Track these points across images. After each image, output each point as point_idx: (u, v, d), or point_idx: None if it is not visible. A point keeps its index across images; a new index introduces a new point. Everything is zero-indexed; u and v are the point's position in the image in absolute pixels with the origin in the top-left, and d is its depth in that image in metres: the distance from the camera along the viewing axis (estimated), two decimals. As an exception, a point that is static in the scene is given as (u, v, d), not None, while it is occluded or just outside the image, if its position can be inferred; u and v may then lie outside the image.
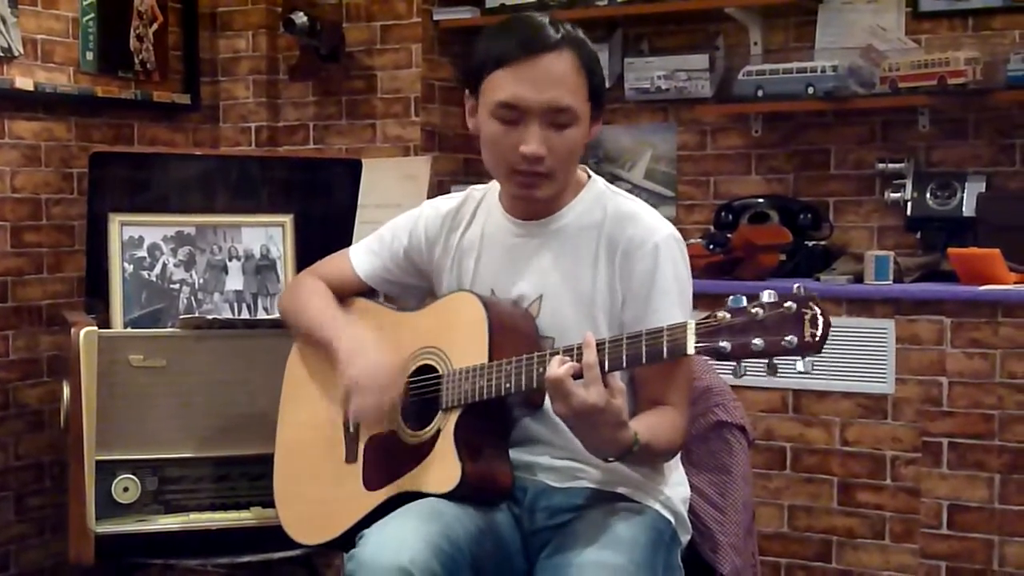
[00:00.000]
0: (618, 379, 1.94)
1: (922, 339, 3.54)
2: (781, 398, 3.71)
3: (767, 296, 1.82)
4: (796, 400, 3.70)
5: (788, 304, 1.79)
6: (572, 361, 1.93)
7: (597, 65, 2.18)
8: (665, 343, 1.88)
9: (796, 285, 1.82)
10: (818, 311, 1.78)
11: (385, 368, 2.23)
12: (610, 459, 2.02)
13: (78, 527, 2.91)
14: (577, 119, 2.13)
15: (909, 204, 3.92)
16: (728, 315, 1.83)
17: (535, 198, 2.18)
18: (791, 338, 1.78)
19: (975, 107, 3.88)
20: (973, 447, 3.49)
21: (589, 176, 2.27)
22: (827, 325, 1.78)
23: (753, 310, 1.81)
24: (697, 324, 1.86)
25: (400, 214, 2.43)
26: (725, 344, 1.82)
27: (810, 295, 1.80)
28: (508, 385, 2.06)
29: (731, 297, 1.86)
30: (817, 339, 1.77)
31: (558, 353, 1.99)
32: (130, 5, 4.22)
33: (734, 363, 1.85)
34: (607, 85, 4.21)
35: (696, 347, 1.85)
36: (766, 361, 1.82)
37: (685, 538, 2.24)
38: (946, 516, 3.53)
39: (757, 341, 1.80)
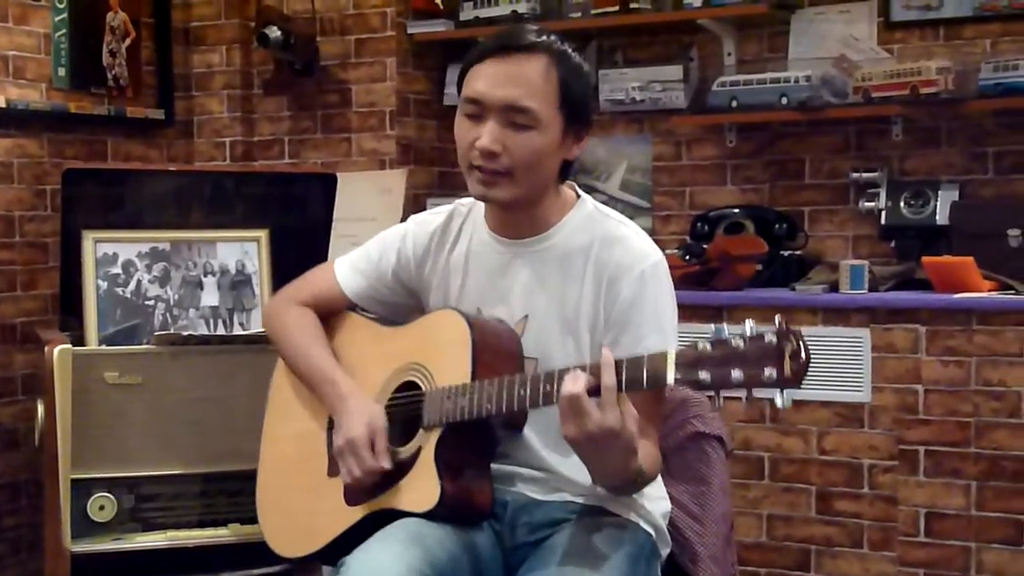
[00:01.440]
0: (631, 406, 1.90)
1: (898, 347, 3.55)
2: (758, 408, 3.72)
3: (748, 328, 1.80)
4: (773, 410, 3.71)
5: (769, 337, 1.78)
6: (589, 377, 1.89)
7: (577, 79, 2.14)
8: (645, 372, 1.86)
9: (778, 317, 1.80)
10: (798, 345, 1.77)
11: (364, 433, 2.18)
12: (610, 488, 2.01)
13: (54, 546, 2.90)
14: (539, 124, 2.09)
15: (883, 213, 3.94)
16: (708, 346, 1.81)
17: (492, 199, 2.15)
18: (771, 372, 1.77)
19: (947, 116, 3.90)
20: (949, 455, 3.50)
21: (578, 196, 2.25)
22: (807, 360, 1.77)
23: (734, 342, 1.80)
24: (677, 353, 1.84)
25: (378, 228, 2.41)
26: (705, 375, 1.81)
27: (792, 329, 1.78)
28: (489, 407, 2.04)
29: (713, 327, 1.83)
30: (797, 374, 1.76)
31: (539, 375, 1.98)
32: (103, 21, 4.20)
33: (712, 393, 1.84)
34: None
35: (676, 378, 1.83)
36: (744, 393, 1.81)
37: (665, 551, 2.23)
38: (923, 524, 3.54)
39: (736, 373, 1.78)
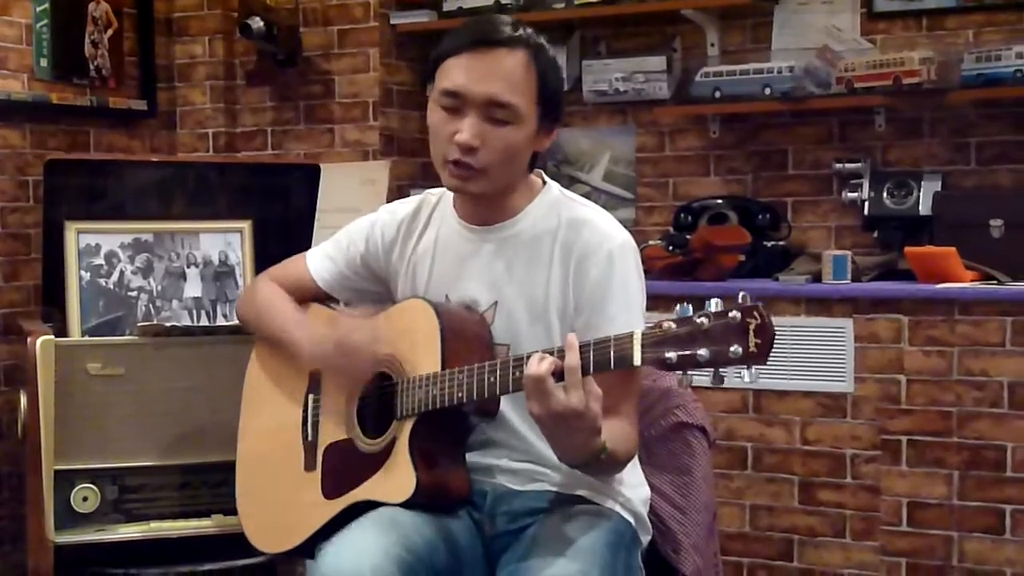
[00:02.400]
0: (595, 386, 1.91)
1: (880, 338, 3.56)
2: (741, 398, 3.73)
3: (713, 305, 1.81)
4: (756, 400, 3.72)
5: (733, 313, 1.79)
6: (554, 359, 1.91)
7: (553, 72, 2.16)
8: (612, 353, 1.88)
9: (742, 293, 1.81)
10: (763, 320, 1.78)
11: (353, 340, 2.22)
12: (575, 466, 2.02)
13: (37, 537, 2.89)
14: (518, 119, 2.11)
15: (866, 203, 3.95)
16: (674, 325, 1.83)
17: (466, 192, 2.16)
18: (736, 348, 1.78)
19: (930, 106, 3.91)
20: (931, 444, 3.52)
21: (544, 182, 2.26)
22: (772, 335, 1.77)
23: (698, 320, 1.81)
24: (643, 334, 1.85)
25: (358, 218, 2.43)
26: (671, 354, 1.82)
27: (755, 304, 1.79)
28: (461, 394, 2.05)
29: (678, 306, 1.85)
30: (762, 349, 1.77)
31: (508, 360, 2.00)
32: (85, 11, 4.19)
33: (680, 372, 1.85)
34: (565, 87, 4.26)
35: (642, 358, 1.85)
36: (712, 371, 1.82)
37: (645, 539, 2.24)
38: (906, 513, 3.55)
39: (702, 352, 1.79)
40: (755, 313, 1.78)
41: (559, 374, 1.90)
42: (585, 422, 1.90)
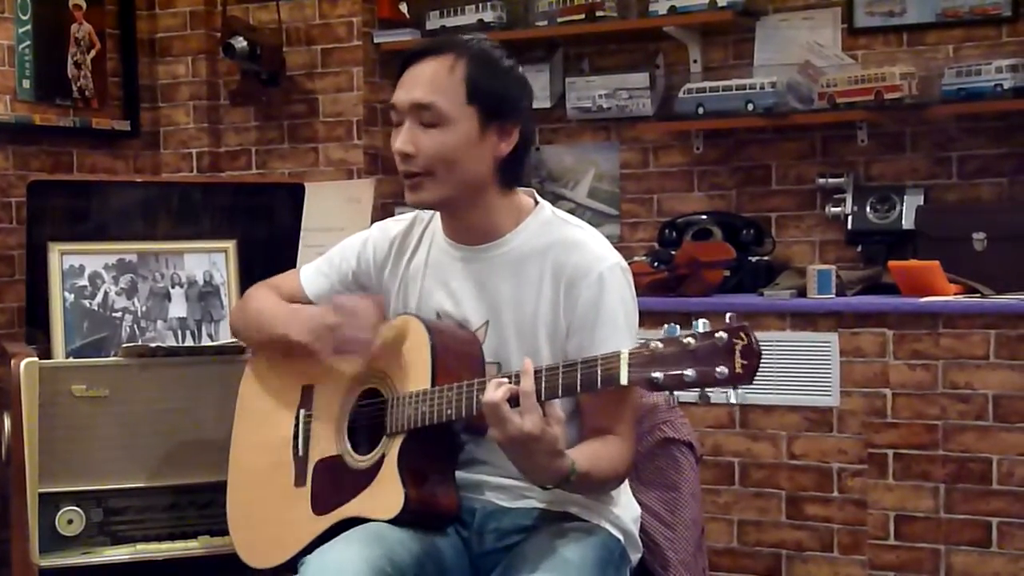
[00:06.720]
0: (558, 408, 1.93)
1: (865, 351, 3.57)
2: (728, 413, 3.73)
3: (700, 326, 1.82)
4: (743, 415, 3.72)
5: (720, 334, 1.80)
6: (510, 385, 1.93)
7: (488, 74, 2.14)
8: (599, 372, 1.89)
9: (729, 314, 1.82)
10: (749, 341, 1.78)
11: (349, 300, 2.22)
12: (547, 487, 2.03)
13: (22, 561, 2.88)
14: (444, 120, 2.11)
15: (849, 218, 3.96)
16: (661, 345, 1.83)
17: (422, 203, 2.17)
18: (722, 369, 1.78)
19: (912, 121, 3.93)
20: (918, 458, 3.52)
21: (537, 202, 2.26)
22: (758, 356, 1.78)
23: (685, 340, 1.82)
24: (630, 354, 1.86)
25: (347, 237, 2.43)
26: (658, 375, 1.82)
27: (741, 325, 1.80)
28: (450, 411, 2.05)
29: (665, 326, 1.86)
30: (748, 370, 1.78)
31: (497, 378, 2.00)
32: (67, 32, 4.18)
33: (667, 392, 1.86)
34: (548, 104, 4.28)
35: (629, 377, 1.85)
36: (698, 391, 1.82)
37: (635, 557, 2.24)
38: (893, 527, 3.55)
39: (689, 372, 1.80)
40: (741, 334, 1.79)
41: (516, 399, 1.91)
42: (542, 445, 1.91)
